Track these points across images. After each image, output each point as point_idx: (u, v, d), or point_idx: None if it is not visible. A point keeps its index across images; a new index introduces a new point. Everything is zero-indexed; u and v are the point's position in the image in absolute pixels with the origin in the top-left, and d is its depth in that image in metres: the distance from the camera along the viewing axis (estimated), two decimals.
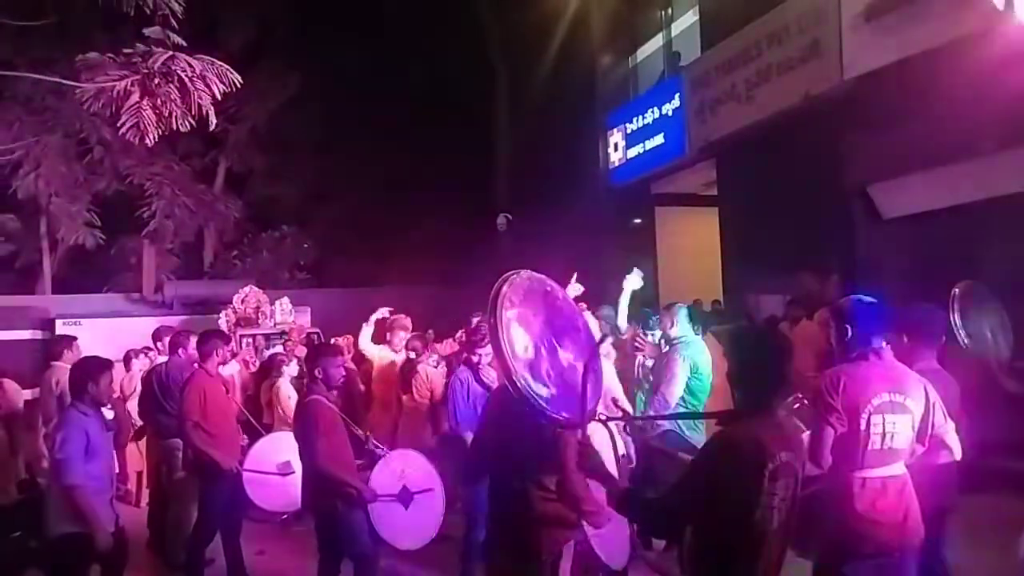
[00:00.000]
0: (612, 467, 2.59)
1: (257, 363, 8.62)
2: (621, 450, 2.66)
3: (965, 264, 7.13)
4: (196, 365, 5.17)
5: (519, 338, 2.45)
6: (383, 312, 6.88)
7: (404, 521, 4.51)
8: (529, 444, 2.98)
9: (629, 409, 4.32)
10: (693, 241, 12.29)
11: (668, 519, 2.31)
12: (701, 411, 4.56)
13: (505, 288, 2.48)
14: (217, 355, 5.12)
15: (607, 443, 2.70)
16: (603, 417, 2.67)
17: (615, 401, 2.79)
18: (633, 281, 5.93)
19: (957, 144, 7.04)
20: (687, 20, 12.30)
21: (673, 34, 12.62)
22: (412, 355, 6.35)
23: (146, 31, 6.23)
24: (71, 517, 3.67)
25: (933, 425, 3.17)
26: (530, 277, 2.66)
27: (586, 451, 2.35)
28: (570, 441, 2.94)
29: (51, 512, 3.78)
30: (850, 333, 3.16)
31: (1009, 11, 3.92)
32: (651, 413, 4.58)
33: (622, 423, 2.80)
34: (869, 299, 3.26)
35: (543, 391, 2.44)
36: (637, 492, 2.40)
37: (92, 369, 3.98)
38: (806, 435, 3.04)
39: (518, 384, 2.32)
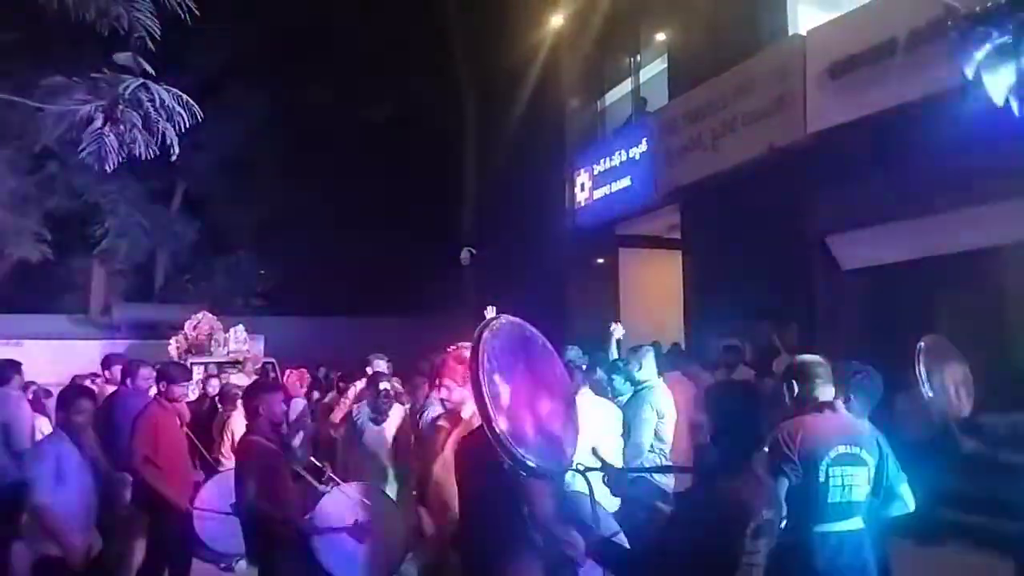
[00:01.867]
0: (588, 517, 2.55)
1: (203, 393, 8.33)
2: (603, 501, 2.60)
3: (921, 317, 7.33)
4: (153, 396, 5.01)
5: (498, 384, 2.39)
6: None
7: (357, 557, 4.34)
8: (501, 493, 2.89)
9: (610, 460, 4.27)
10: (656, 283, 12.39)
11: (648, 573, 2.26)
12: (682, 465, 4.59)
13: (486, 334, 2.43)
14: (176, 388, 5.00)
15: (585, 494, 2.64)
16: (581, 468, 2.60)
17: (594, 451, 2.72)
18: (618, 331, 6.30)
19: (916, 200, 7.25)
20: (656, 67, 12.57)
21: (642, 80, 12.87)
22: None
23: (116, 57, 6.11)
24: (44, 538, 3.70)
25: (887, 477, 3.25)
26: (510, 322, 2.62)
27: (563, 500, 2.30)
28: (542, 488, 2.91)
29: (27, 531, 3.83)
30: (795, 389, 3.28)
31: (976, 81, 4.09)
32: (626, 463, 4.54)
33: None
34: (814, 356, 3.40)
35: (522, 441, 2.37)
36: (614, 545, 2.35)
37: (69, 397, 4.07)
38: None
39: (497, 431, 2.25)
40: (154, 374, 5.76)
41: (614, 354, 5.92)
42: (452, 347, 4.02)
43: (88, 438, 4.07)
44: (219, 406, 7.01)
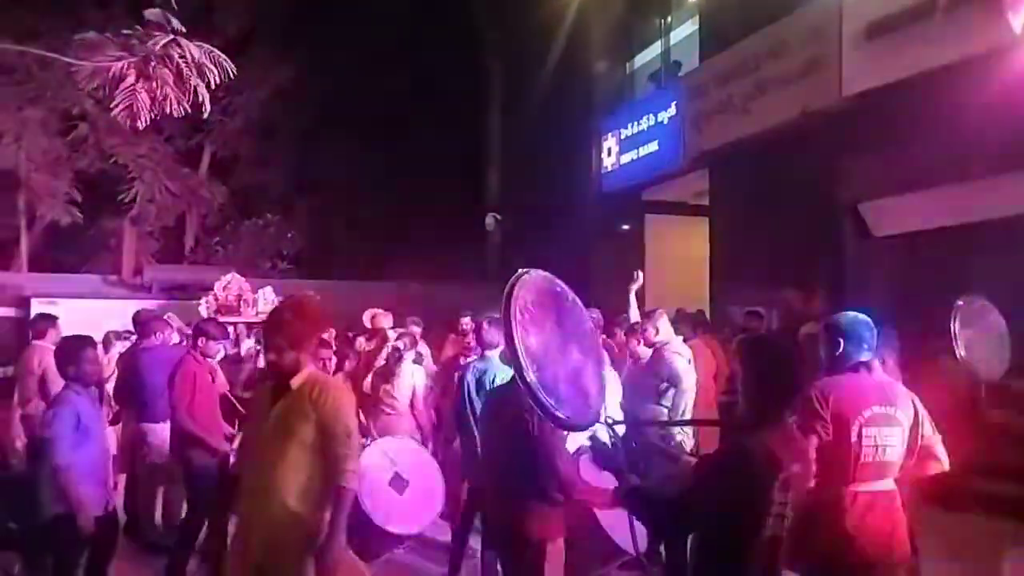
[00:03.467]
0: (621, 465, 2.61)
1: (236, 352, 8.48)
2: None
3: (952, 286, 7.20)
4: (188, 351, 5.11)
5: (530, 336, 2.41)
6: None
7: (399, 505, 4.47)
8: (520, 441, 3.09)
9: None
10: (681, 250, 12.30)
11: (676, 521, 2.31)
12: (712, 419, 4.62)
13: (518, 286, 2.44)
14: (213, 344, 5.14)
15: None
16: (609, 420, 2.63)
17: (622, 406, 2.76)
18: (637, 283, 6.15)
19: (951, 166, 7.09)
20: (686, 29, 12.32)
21: (672, 42, 12.63)
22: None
23: (146, 13, 6.13)
24: (59, 498, 3.64)
25: (922, 436, 3.23)
26: (543, 277, 2.63)
27: (601, 448, 2.35)
28: (561, 441, 3.06)
29: (43, 493, 3.73)
30: (841, 347, 3.22)
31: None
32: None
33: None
34: (861, 315, 3.30)
35: (552, 392, 2.40)
36: (645, 490, 2.39)
37: (74, 348, 3.95)
38: None
39: (528, 381, 2.28)
40: (171, 328, 5.91)
41: (634, 314, 5.90)
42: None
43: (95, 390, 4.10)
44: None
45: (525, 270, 2.58)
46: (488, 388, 4.36)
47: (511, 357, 2.33)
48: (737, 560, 2.18)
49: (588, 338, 2.77)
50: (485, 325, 4.62)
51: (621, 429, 2.64)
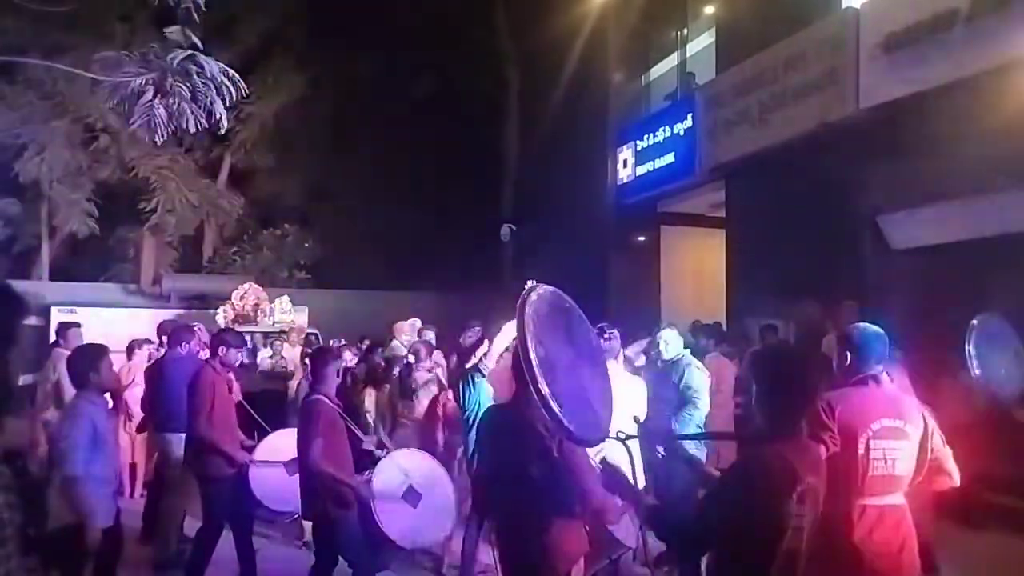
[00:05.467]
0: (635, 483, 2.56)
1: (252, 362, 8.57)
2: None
3: (971, 299, 7.11)
4: (206, 360, 5.15)
5: (542, 347, 2.41)
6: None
7: (412, 521, 4.46)
8: (539, 463, 2.88)
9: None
10: (697, 262, 12.27)
11: (696, 539, 2.28)
12: (728, 432, 4.58)
13: (531, 298, 2.45)
14: (232, 353, 5.14)
15: (625, 462, 2.65)
16: (622, 436, 2.62)
17: (636, 420, 2.73)
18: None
19: (970, 179, 7.03)
20: (703, 41, 12.33)
21: (688, 54, 12.64)
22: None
23: (167, 31, 6.24)
24: (69, 508, 3.61)
25: (932, 450, 3.19)
26: (552, 292, 2.64)
27: (609, 469, 2.32)
28: (582, 459, 2.90)
29: (53, 502, 3.71)
30: (849, 359, 3.22)
31: None
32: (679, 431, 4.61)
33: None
34: (874, 327, 3.29)
35: (564, 405, 2.39)
36: (665, 510, 2.37)
37: (92, 356, 3.94)
38: None
39: (543, 393, 2.28)
40: (199, 339, 5.95)
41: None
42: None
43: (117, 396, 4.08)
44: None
45: (535, 284, 2.59)
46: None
47: (525, 366, 2.33)
48: (755, 573, 2.16)
49: (596, 354, 2.77)
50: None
51: (634, 444, 2.61)
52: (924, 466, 3.18)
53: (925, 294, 8.08)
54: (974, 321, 4.59)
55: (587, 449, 2.79)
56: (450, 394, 5.83)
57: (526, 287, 2.58)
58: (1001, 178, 6.72)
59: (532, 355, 2.28)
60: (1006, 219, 6.86)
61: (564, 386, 2.42)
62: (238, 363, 5.61)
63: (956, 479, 3.32)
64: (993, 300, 7.27)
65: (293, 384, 7.77)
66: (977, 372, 4.52)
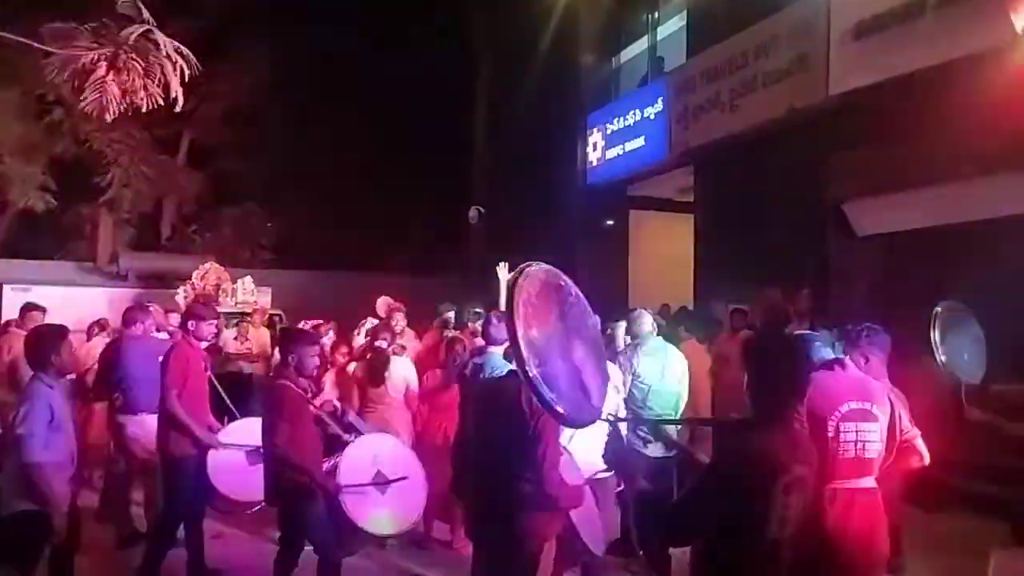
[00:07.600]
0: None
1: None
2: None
3: (935, 286, 7.25)
4: (183, 335, 4.96)
5: (532, 329, 2.36)
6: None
7: (380, 507, 4.39)
8: (516, 437, 2.93)
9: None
10: (666, 246, 12.32)
11: (681, 528, 2.26)
12: (710, 418, 4.60)
13: (522, 278, 2.40)
14: (204, 326, 4.94)
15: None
16: (611, 417, 2.59)
17: (626, 402, 2.71)
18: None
19: (936, 167, 7.13)
20: (674, 25, 12.30)
21: (659, 37, 12.61)
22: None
23: (119, 4, 5.98)
24: (26, 495, 3.46)
25: (901, 431, 3.25)
26: (546, 270, 2.58)
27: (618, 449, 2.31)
28: (551, 438, 2.92)
29: (5, 488, 3.54)
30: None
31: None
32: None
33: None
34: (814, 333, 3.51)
35: (553, 386, 2.35)
36: (650, 497, 2.35)
37: (51, 338, 3.76)
38: None
39: (530, 375, 2.24)
40: (154, 318, 5.78)
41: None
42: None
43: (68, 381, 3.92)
44: None
45: (528, 263, 2.54)
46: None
47: (513, 350, 2.28)
48: (737, 564, 2.15)
49: (591, 333, 2.73)
50: (494, 320, 4.49)
51: (623, 426, 2.58)
52: (893, 448, 3.22)
53: (890, 280, 8.23)
54: (938, 308, 4.66)
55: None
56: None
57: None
58: (966, 166, 6.83)
59: (520, 338, 2.24)
60: (971, 207, 6.98)
61: (556, 366, 2.38)
62: (211, 337, 5.42)
63: (927, 459, 3.38)
64: (957, 287, 7.44)
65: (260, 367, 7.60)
66: (943, 359, 4.60)
